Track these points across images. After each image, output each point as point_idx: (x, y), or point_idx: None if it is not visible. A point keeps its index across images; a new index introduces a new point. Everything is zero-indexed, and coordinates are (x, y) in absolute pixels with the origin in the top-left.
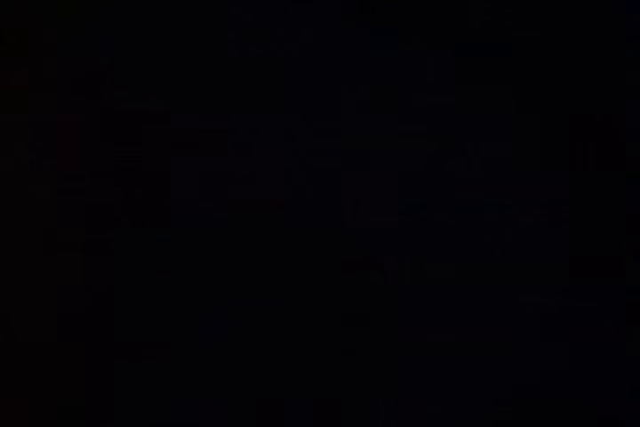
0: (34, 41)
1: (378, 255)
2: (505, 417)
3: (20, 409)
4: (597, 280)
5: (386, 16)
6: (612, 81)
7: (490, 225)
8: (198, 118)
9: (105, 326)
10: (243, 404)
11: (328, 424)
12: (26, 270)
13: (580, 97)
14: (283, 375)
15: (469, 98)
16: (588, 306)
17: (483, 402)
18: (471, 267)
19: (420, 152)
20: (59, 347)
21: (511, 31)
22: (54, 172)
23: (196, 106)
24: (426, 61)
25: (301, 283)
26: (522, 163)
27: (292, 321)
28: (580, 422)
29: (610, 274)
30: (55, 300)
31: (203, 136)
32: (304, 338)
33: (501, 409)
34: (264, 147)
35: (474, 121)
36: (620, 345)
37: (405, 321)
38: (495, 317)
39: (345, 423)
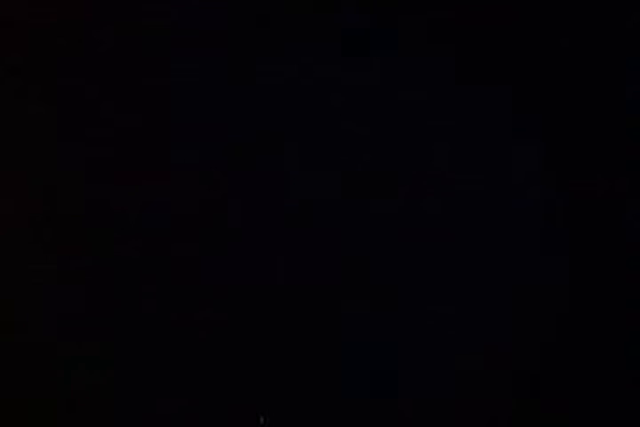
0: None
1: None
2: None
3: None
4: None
5: (387, 16)
6: (612, 81)
7: (487, 227)
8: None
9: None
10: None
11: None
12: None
13: (581, 98)
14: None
15: (469, 98)
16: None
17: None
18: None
19: (417, 152)
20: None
21: (510, 31)
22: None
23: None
24: (425, 61)
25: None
26: (521, 163)
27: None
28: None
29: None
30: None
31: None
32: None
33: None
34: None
35: (473, 120)
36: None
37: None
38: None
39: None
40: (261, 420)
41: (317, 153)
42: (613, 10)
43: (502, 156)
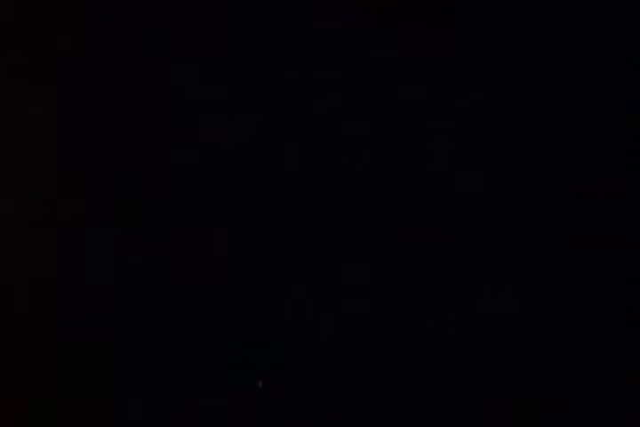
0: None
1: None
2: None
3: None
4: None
5: (387, 14)
6: (612, 81)
7: (486, 227)
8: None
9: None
10: None
11: None
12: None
13: (580, 97)
14: None
15: (469, 98)
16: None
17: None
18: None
19: (416, 152)
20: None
21: (510, 31)
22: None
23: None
24: (426, 61)
25: None
26: (521, 163)
27: None
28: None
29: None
30: None
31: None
32: None
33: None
34: None
35: (473, 120)
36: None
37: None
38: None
39: None
40: (260, 384)
41: (317, 153)
42: (613, 10)
43: (502, 155)
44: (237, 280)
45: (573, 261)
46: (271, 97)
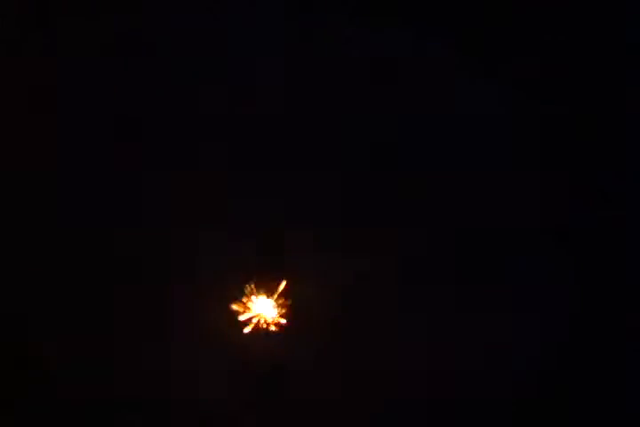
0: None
1: None
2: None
3: None
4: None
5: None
6: (613, 82)
7: (488, 231)
8: None
9: None
10: None
11: None
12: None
13: (580, 97)
14: None
15: (469, 96)
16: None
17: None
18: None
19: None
20: None
21: (511, 30)
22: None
23: None
24: (427, 60)
25: None
26: (521, 163)
27: None
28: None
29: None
30: None
31: None
32: None
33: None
34: None
35: (473, 120)
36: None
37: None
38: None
39: None
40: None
41: (318, 152)
42: (613, 10)
43: (502, 155)
44: None
45: (575, 262)
46: (273, 97)
